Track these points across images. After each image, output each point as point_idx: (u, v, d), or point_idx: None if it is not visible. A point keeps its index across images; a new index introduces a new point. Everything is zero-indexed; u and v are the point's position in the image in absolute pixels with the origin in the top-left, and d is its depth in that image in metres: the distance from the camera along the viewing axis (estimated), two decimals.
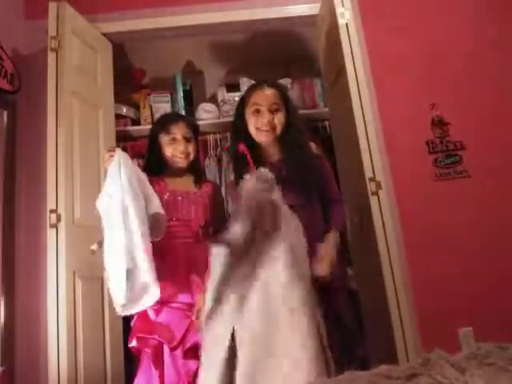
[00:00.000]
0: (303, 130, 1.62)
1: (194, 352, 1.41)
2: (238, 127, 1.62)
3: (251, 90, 1.62)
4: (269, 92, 1.56)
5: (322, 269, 1.29)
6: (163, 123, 1.72)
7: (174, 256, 1.51)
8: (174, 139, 1.66)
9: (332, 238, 1.41)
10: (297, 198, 1.43)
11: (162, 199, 1.53)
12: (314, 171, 1.52)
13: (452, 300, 2.03)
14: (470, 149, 2.23)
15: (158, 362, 1.44)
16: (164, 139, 1.68)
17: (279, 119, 1.55)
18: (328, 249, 1.36)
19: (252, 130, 1.56)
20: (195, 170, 1.74)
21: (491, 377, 0.71)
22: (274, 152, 1.60)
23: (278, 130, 1.55)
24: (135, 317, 1.50)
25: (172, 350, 1.42)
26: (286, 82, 2.86)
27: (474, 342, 1.93)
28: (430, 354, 0.84)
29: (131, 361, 1.86)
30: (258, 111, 1.54)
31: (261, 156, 1.58)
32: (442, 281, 2.06)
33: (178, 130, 1.67)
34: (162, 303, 1.45)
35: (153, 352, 1.44)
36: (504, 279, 2.08)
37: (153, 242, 1.48)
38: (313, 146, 1.66)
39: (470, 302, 2.03)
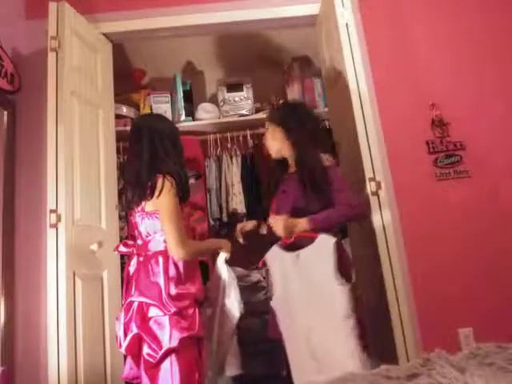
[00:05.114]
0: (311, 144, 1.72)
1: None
2: None
3: None
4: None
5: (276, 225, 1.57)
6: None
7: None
8: None
9: (296, 220, 1.56)
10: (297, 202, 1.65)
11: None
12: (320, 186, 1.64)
13: (452, 300, 2.03)
14: (470, 149, 2.23)
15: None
16: None
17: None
18: (283, 219, 1.56)
19: None
20: None
21: (491, 377, 0.71)
22: (292, 164, 1.78)
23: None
24: (171, 318, 1.40)
25: None
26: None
27: (473, 342, 1.93)
28: (430, 354, 0.84)
29: None
30: None
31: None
32: (442, 281, 2.06)
33: None
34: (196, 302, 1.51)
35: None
36: (504, 280, 2.08)
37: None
38: (324, 157, 1.70)
39: (469, 302, 2.04)
